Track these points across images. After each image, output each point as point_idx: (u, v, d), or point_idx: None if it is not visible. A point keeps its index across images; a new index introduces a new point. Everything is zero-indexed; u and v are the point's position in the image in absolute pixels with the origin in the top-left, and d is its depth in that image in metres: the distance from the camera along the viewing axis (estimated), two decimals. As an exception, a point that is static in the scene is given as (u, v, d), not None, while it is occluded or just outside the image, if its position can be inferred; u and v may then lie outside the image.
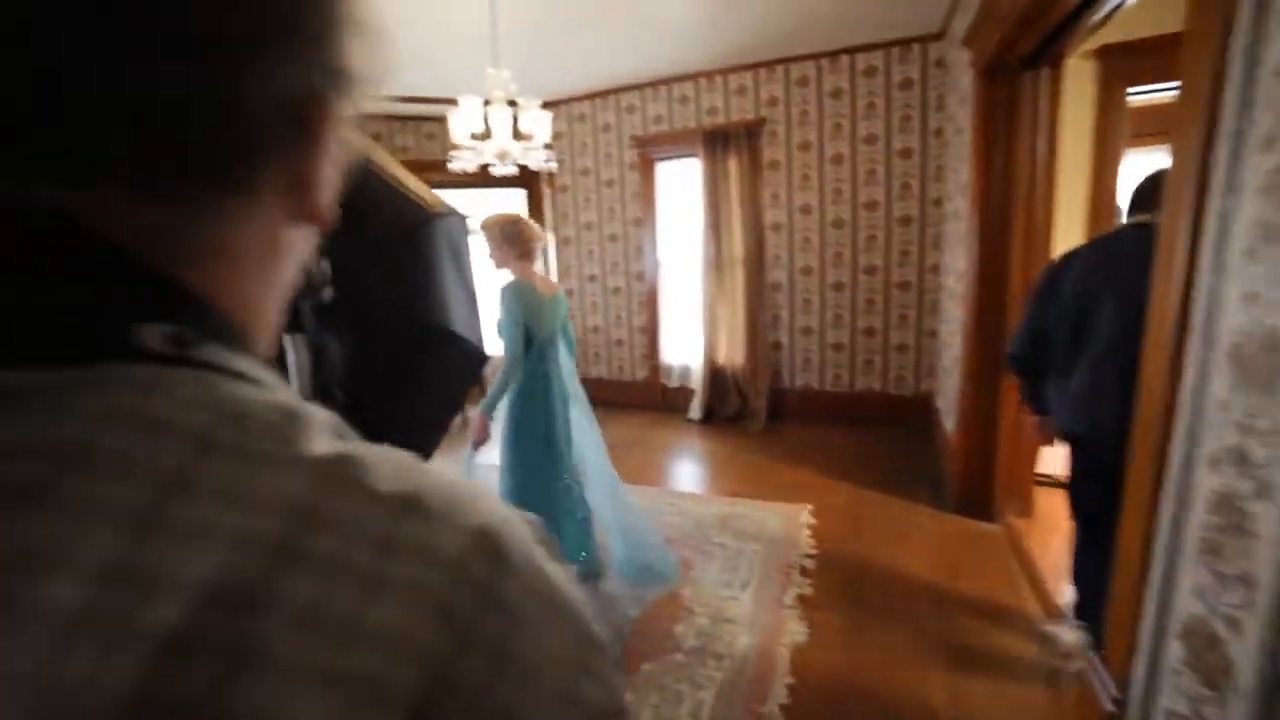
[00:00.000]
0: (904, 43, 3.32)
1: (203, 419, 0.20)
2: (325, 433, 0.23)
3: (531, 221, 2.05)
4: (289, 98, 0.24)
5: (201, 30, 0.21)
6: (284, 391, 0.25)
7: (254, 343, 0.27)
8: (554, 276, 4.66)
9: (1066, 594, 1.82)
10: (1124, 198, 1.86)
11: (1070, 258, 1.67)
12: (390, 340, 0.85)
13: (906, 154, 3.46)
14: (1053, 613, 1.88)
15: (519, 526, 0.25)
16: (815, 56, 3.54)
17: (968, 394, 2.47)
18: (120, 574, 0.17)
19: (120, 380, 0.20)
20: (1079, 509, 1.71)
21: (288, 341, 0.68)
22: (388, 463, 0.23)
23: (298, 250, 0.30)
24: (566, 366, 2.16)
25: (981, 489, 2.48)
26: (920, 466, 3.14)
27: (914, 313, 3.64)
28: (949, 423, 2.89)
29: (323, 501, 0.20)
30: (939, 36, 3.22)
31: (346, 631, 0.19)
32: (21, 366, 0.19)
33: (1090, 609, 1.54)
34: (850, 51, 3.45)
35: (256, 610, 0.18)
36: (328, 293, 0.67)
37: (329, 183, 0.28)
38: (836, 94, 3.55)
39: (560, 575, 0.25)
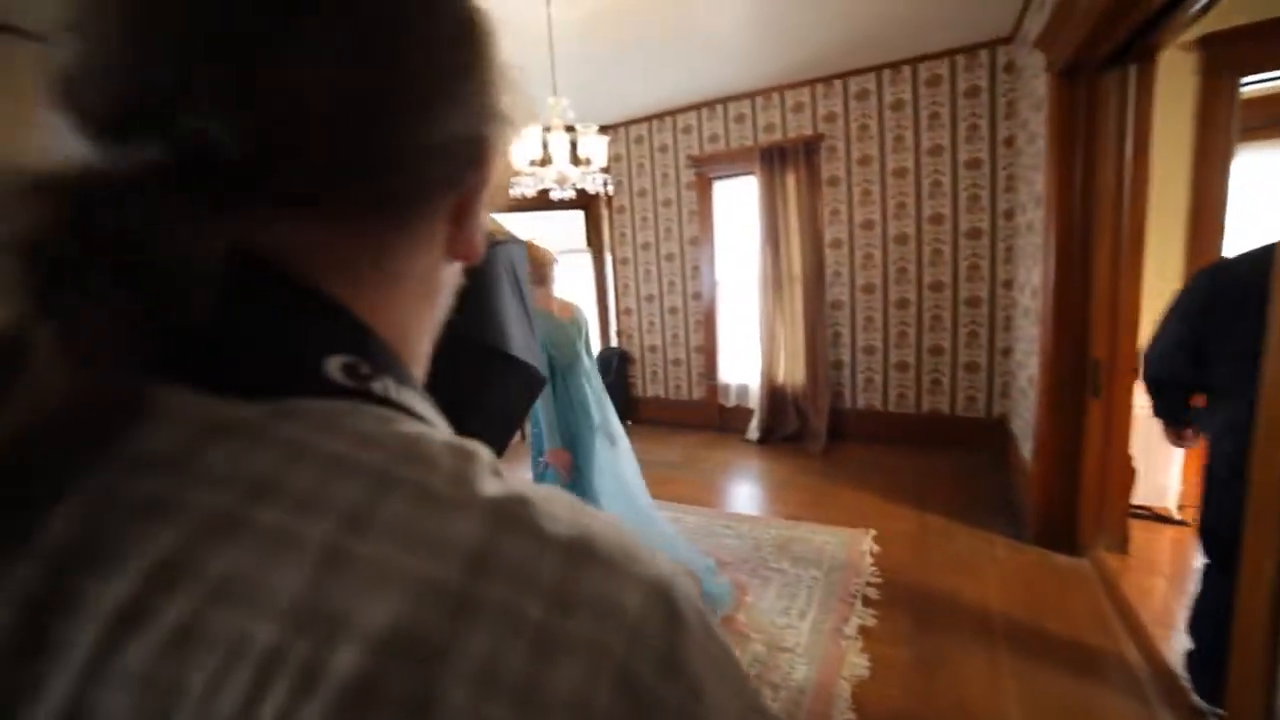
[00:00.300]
0: (970, 49, 3.19)
1: (380, 457, 0.21)
2: (490, 470, 0.22)
3: (542, 246, 1.96)
4: (459, 140, 0.27)
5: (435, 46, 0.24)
6: (445, 427, 0.26)
7: (413, 377, 0.27)
8: (611, 296, 4.73)
9: (1179, 644, 1.62)
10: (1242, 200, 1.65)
11: (1231, 266, 1.44)
12: (450, 364, 0.87)
13: (975, 164, 3.30)
14: (1159, 666, 1.68)
15: (687, 580, 0.23)
16: (875, 69, 3.45)
17: (1047, 417, 2.28)
18: (308, 614, 0.18)
19: (305, 414, 0.21)
20: (1216, 548, 1.47)
21: None
22: (556, 502, 0.22)
23: (449, 288, 0.32)
24: (592, 391, 2.09)
25: (1064, 519, 2.28)
26: (993, 493, 2.93)
27: (985, 330, 3.44)
28: (1026, 447, 2.68)
29: (496, 546, 0.20)
30: (1008, 40, 3.07)
31: (523, 694, 0.18)
32: (229, 395, 0.21)
33: (1209, 666, 1.36)
34: (912, 62, 3.34)
35: (433, 662, 0.18)
36: None
37: (482, 221, 0.30)
38: (898, 106, 3.44)
39: (724, 635, 0.24)
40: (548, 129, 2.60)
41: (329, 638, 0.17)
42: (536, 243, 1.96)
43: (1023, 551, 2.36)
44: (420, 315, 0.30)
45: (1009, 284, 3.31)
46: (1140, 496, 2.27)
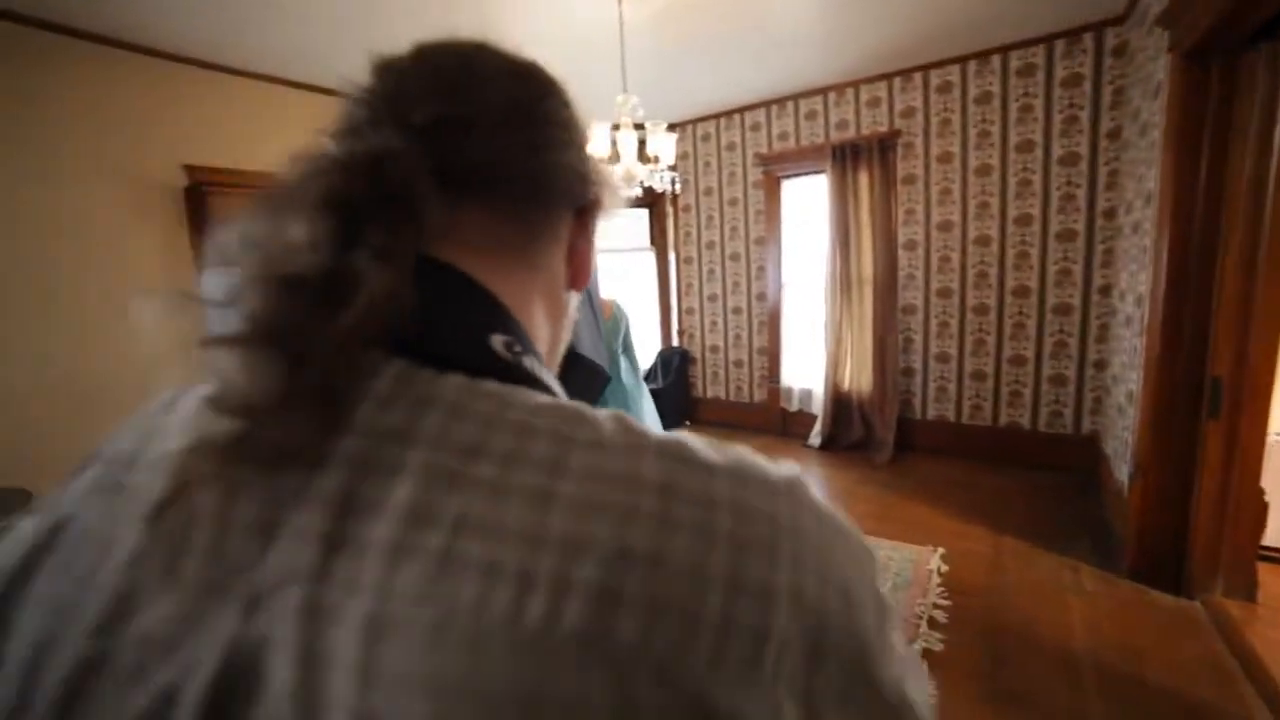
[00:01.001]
0: (1072, 33, 2.89)
1: (555, 421, 0.26)
2: (635, 424, 0.28)
3: None
4: (570, 168, 0.36)
5: (566, 135, 0.36)
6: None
7: (544, 357, 0.36)
8: (673, 296, 4.67)
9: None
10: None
11: None
12: None
13: (1070, 160, 3.00)
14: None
15: (803, 481, 0.29)
16: (960, 60, 3.21)
17: (1150, 438, 2.03)
18: (543, 540, 0.22)
19: (487, 393, 0.27)
20: None
21: None
22: (699, 440, 0.28)
23: (571, 311, 0.40)
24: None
25: (1169, 554, 2.02)
26: (1080, 517, 2.66)
27: (1075, 340, 3.13)
28: (1121, 470, 2.41)
29: (677, 477, 0.25)
30: (1119, 20, 2.75)
31: (730, 583, 0.23)
32: (430, 365, 0.27)
33: None
34: (1002, 50, 3.08)
35: (656, 568, 0.22)
36: None
37: (590, 259, 0.39)
38: (985, 98, 3.18)
39: (832, 509, 0.29)
40: (616, 127, 2.57)
41: (571, 556, 0.22)
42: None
43: (1115, 585, 2.12)
44: (550, 328, 0.38)
45: (1106, 290, 3.00)
46: (1274, 537, 1.97)
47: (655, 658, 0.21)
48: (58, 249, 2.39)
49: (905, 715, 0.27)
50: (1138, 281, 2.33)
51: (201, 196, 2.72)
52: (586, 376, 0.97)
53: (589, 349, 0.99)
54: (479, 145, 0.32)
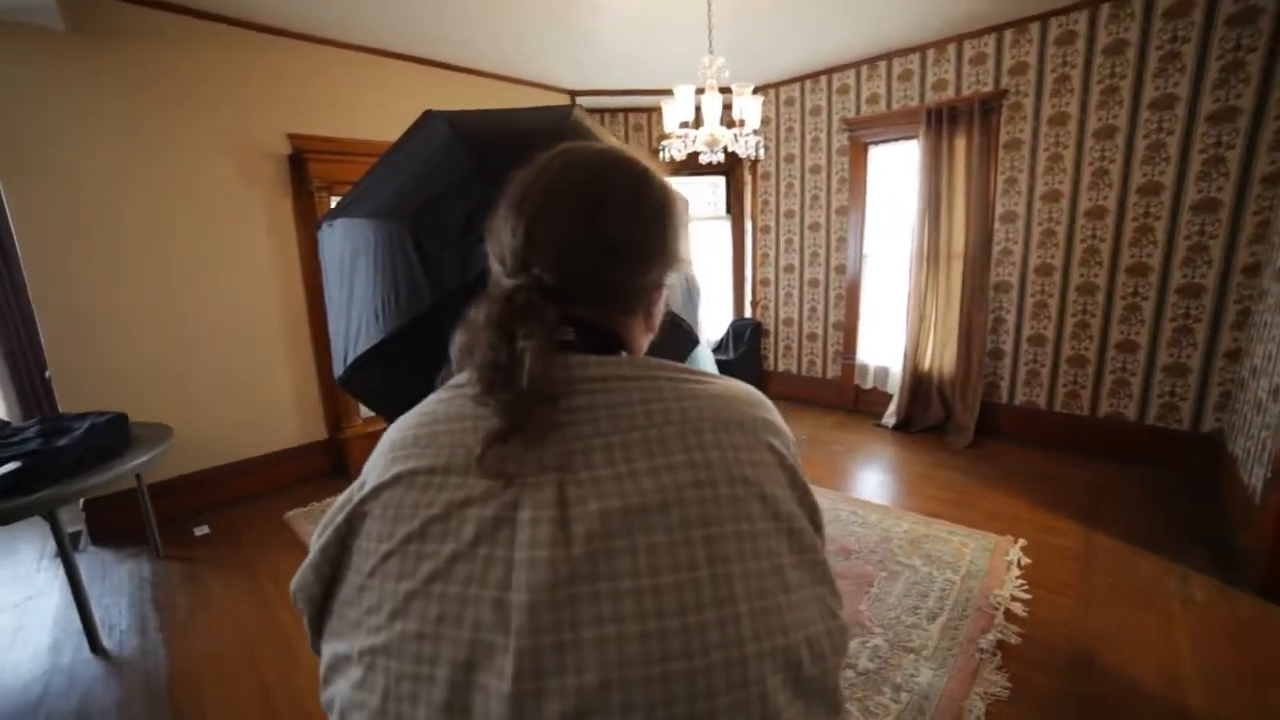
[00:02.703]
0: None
1: (692, 387, 0.48)
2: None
3: None
4: (654, 282, 0.54)
5: (653, 259, 0.53)
6: None
7: None
8: (748, 266, 4.48)
9: None
10: None
11: None
12: None
13: (1225, 116, 2.51)
14: None
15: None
16: (1091, 3, 2.75)
17: (1299, 439, 1.71)
18: (724, 459, 0.44)
19: (637, 377, 0.47)
20: None
21: None
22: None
23: (647, 344, 0.58)
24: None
25: (1309, 570, 1.72)
26: (1193, 522, 2.33)
27: (1204, 326, 2.69)
28: (1255, 473, 2.07)
29: (771, 413, 0.51)
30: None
31: (794, 462, 0.50)
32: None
33: None
34: (1149, -11, 2.59)
35: (734, 431, 0.46)
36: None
37: (660, 315, 0.58)
38: (1117, 49, 2.72)
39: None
40: (700, 91, 2.42)
41: (738, 459, 0.45)
42: None
43: (1234, 600, 1.84)
44: (643, 337, 0.57)
45: (1253, 270, 2.54)
46: None
47: (754, 477, 0.44)
48: (175, 211, 2.59)
49: None
50: (1298, 259, 1.94)
51: (303, 163, 2.85)
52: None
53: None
54: (572, 283, 0.49)
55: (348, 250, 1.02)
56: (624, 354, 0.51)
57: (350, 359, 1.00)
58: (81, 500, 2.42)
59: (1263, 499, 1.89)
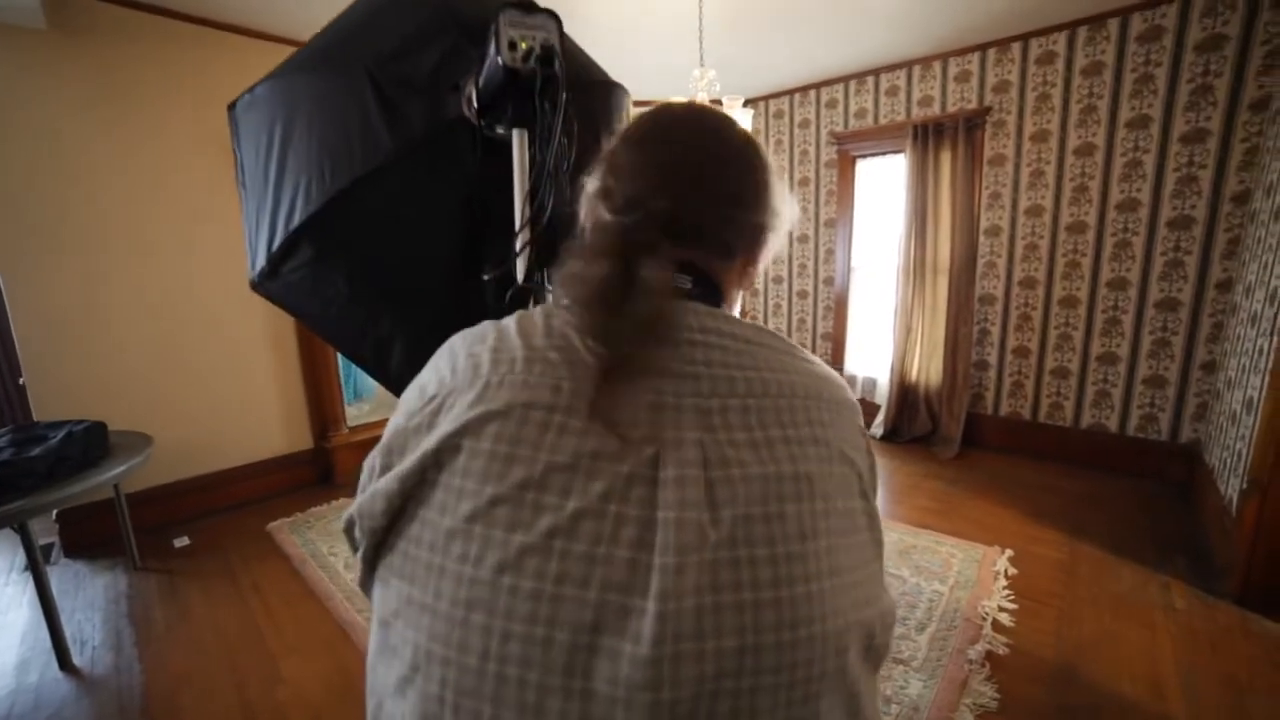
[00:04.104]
0: (1217, -12, 2.47)
1: (798, 362, 0.49)
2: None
3: None
4: (766, 224, 0.54)
5: (762, 203, 0.53)
6: None
7: None
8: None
9: None
10: None
11: None
12: None
13: (1196, 138, 2.61)
14: None
15: None
16: (1068, 26, 2.84)
17: (1275, 451, 1.76)
18: (840, 448, 0.46)
19: (733, 334, 0.46)
20: None
21: None
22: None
23: (739, 298, 0.59)
24: None
25: (1285, 579, 1.76)
26: (1173, 531, 2.38)
27: (1180, 339, 2.77)
28: (1230, 484, 2.12)
29: (831, 374, 0.51)
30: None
31: (844, 428, 0.48)
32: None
33: None
34: (1123, 12, 2.69)
35: (813, 400, 0.47)
36: None
37: (756, 275, 0.57)
38: (1094, 69, 2.81)
39: None
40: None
41: (842, 437, 0.47)
42: None
43: (1215, 608, 1.88)
44: (735, 292, 0.57)
45: (1225, 285, 2.62)
46: None
47: (853, 456, 0.47)
48: (156, 211, 2.56)
49: None
50: (1272, 275, 2.01)
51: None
52: None
53: None
54: (689, 221, 0.49)
55: (279, 118, 0.86)
56: (725, 308, 0.52)
57: (279, 241, 0.82)
58: (55, 511, 2.36)
59: (1238, 509, 1.94)
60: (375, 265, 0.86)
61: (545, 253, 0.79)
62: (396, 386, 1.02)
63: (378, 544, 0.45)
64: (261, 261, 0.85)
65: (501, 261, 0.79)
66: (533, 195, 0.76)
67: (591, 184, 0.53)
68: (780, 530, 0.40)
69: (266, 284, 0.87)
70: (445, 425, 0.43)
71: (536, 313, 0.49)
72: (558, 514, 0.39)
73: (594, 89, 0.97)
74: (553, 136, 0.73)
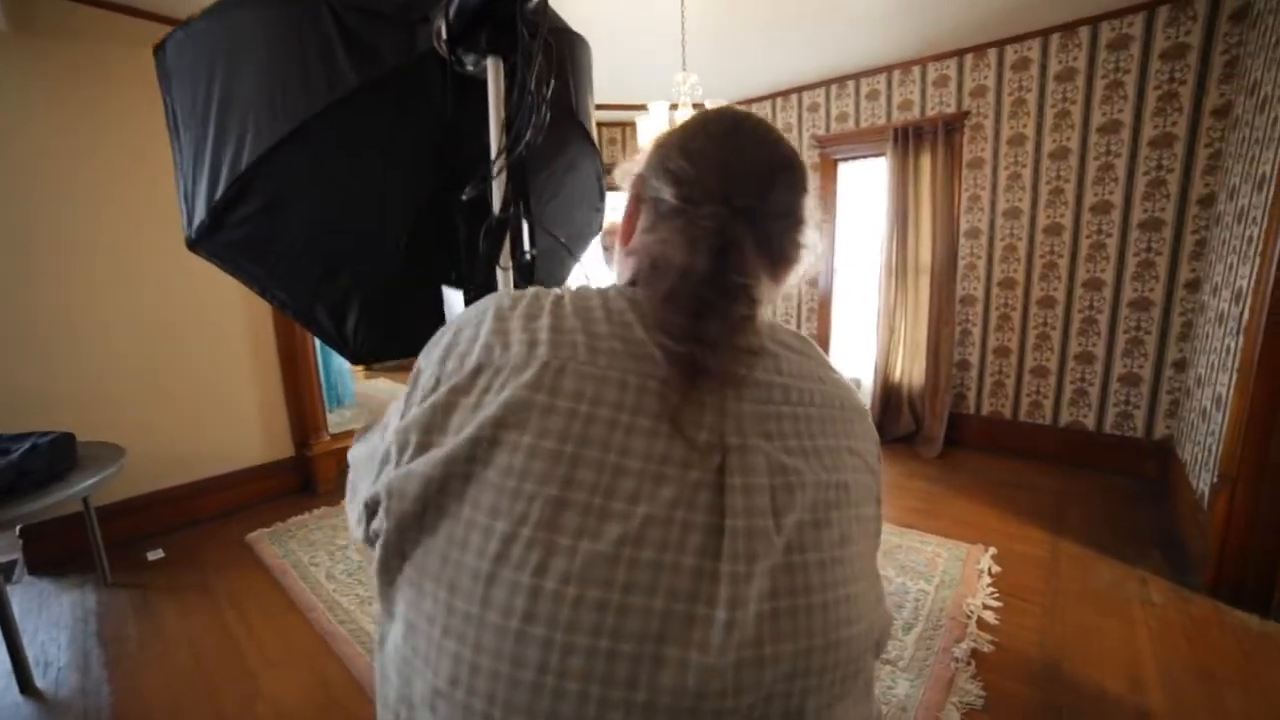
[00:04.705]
0: (1180, -1, 2.55)
1: (815, 353, 0.51)
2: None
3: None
4: (802, 249, 0.54)
5: (809, 226, 0.52)
6: None
7: None
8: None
9: None
10: None
11: None
12: None
13: (1164, 142, 2.68)
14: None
15: None
16: (1041, 33, 2.91)
17: (1243, 448, 1.81)
18: (867, 458, 0.49)
19: (785, 347, 0.48)
20: None
21: None
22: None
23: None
24: None
25: (1258, 573, 1.81)
26: (1148, 526, 2.43)
27: (1153, 338, 2.84)
28: (1202, 478, 2.17)
29: (851, 389, 0.53)
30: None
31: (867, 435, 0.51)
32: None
33: None
34: (1092, 21, 2.76)
35: (844, 409, 0.49)
36: None
37: (778, 294, 0.55)
38: (1066, 76, 2.88)
39: None
40: (674, 106, 2.46)
41: (867, 448, 0.50)
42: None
43: (1190, 601, 1.92)
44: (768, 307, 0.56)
45: (1194, 285, 2.69)
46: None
47: (874, 466, 0.50)
48: (127, 214, 2.50)
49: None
50: (1236, 275, 2.07)
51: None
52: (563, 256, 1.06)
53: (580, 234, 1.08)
54: (765, 225, 0.48)
55: (222, 53, 0.76)
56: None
57: (223, 188, 0.72)
58: (18, 527, 2.27)
59: (1210, 504, 1.99)
60: (334, 211, 0.79)
61: (520, 183, 0.75)
62: (354, 352, 0.95)
63: (403, 528, 0.40)
64: (201, 214, 0.74)
65: (483, 179, 0.73)
66: (509, 124, 0.71)
67: (655, 163, 0.50)
68: (827, 537, 0.41)
69: (207, 240, 0.77)
70: (494, 408, 0.39)
71: (592, 293, 0.46)
72: (627, 521, 0.37)
73: (558, 34, 0.93)
74: (533, 60, 0.68)
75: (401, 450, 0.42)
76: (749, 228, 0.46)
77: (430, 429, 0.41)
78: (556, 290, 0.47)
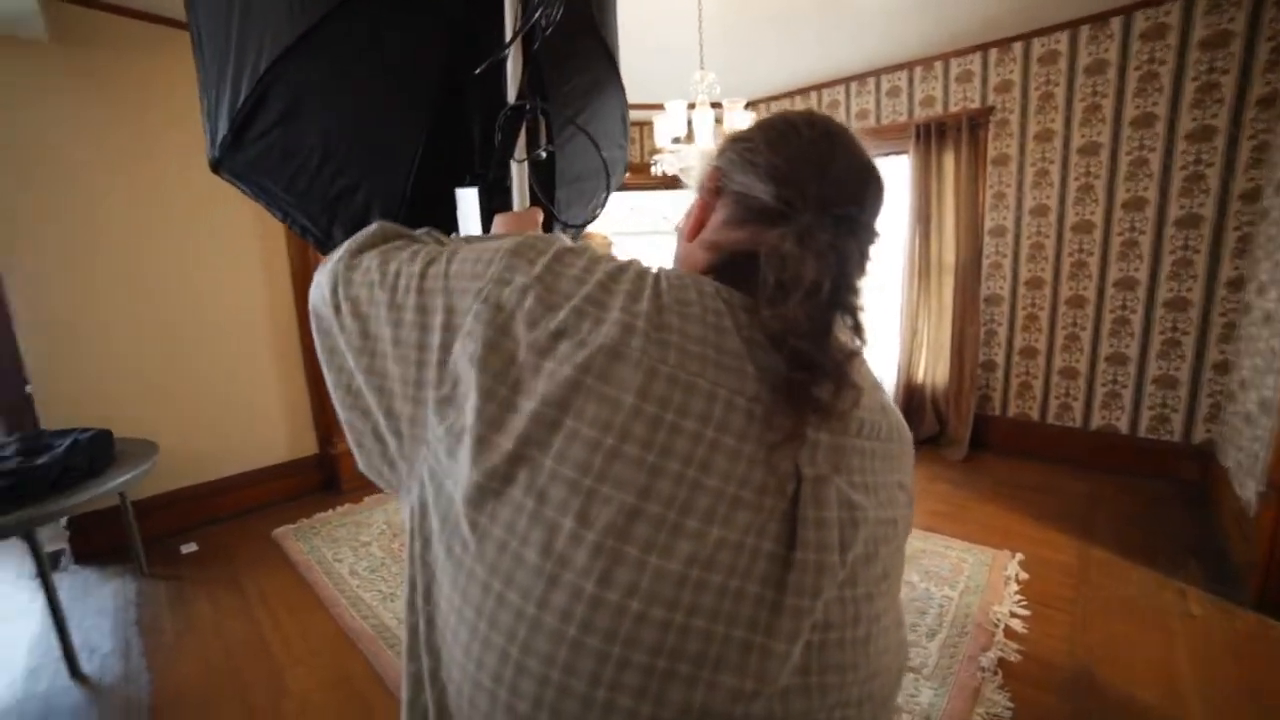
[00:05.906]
0: (1221, -16, 2.43)
1: (884, 400, 0.49)
2: None
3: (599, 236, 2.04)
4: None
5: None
6: None
7: None
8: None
9: None
10: None
11: None
12: None
13: (1203, 135, 2.56)
14: None
15: None
16: (1070, 25, 2.80)
17: (1291, 452, 1.71)
18: (910, 492, 0.49)
19: (868, 385, 0.48)
20: None
21: None
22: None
23: None
24: None
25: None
26: (1188, 535, 2.32)
27: (1192, 339, 2.71)
28: (1246, 486, 2.07)
29: (890, 403, 0.50)
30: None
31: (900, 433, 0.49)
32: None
33: None
34: (1125, 10, 2.65)
35: (896, 430, 0.48)
36: None
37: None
38: (1098, 68, 2.77)
39: None
40: (692, 105, 2.44)
41: (911, 483, 0.49)
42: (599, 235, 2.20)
43: (1233, 614, 1.82)
44: None
45: (1236, 284, 2.56)
46: None
47: (909, 481, 0.48)
48: (158, 219, 2.56)
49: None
50: (1283, 273, 1.96)
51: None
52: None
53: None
54: (865, 241, 0.45)
55: None
56: None
57: (244, 97, 0.68)
58: (64, 519, 2.36)
59: (1257, 512, 1.89)
60: (350, 120, 0.75)
61: (536, 71, 0.71)
62: None
63: (484, 489, 0.37)
64: (224, 128, 0.70)
65: (500, 63, 0.69)
66: (524, 4, 0.67)
67: (737, 158, 0.47)
68: (873, 571, 0.42)
69: (230, 159, 0.73)
70: (577, 396, 0.36)
71: (689, 284, 0.41)
72: (699, 541, 0.35)
73: None
74: None
75: (447, 349, 0.40)
76: (853, 239, 0.42)
77: (497, 374, 0.38)
78: (652, 268, 0.43)
